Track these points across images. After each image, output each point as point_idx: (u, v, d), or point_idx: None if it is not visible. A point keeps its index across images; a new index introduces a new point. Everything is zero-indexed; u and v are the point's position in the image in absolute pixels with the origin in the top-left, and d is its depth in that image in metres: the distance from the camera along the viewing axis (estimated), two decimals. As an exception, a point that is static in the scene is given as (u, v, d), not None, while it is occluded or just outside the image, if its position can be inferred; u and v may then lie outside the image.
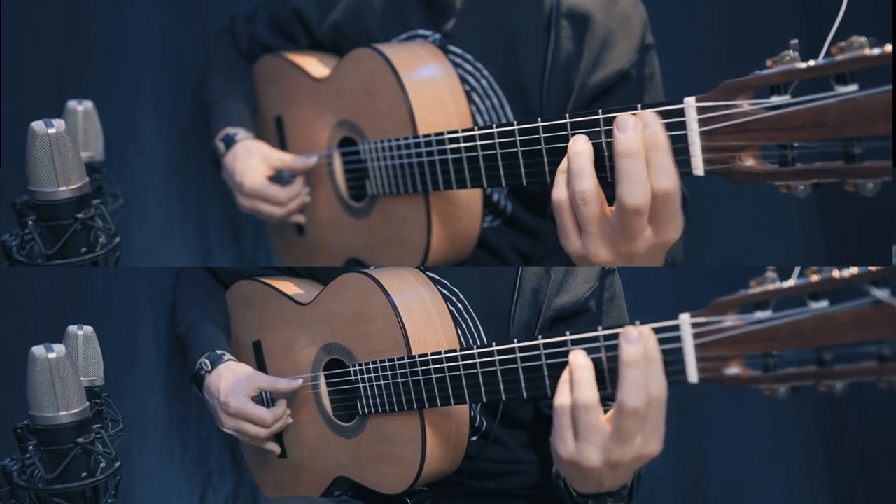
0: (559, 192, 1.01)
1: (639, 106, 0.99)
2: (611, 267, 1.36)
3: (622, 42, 1.41)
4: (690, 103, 0.94)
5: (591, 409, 0.96)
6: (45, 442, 1.25)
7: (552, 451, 1.02)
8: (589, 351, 1.01)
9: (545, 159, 1.11)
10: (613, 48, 1.41)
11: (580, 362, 0.98)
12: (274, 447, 1.46)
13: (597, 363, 1.00)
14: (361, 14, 1.50)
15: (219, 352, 1.45)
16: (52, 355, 1.23)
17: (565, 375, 0.99)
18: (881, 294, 0.81)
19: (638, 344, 0.94)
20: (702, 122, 0.92)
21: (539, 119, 1.10)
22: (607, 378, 1.00)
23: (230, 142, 1.53)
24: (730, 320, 0.89)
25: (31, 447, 1.27)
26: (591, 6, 1.40)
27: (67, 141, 1.20)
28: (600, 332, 1.00)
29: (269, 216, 1.53)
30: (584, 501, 1.11)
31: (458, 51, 1.44)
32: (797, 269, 0.86)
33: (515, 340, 1.11)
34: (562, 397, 0.99)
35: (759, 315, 0.88)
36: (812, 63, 0.86)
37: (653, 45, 1.45)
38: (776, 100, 0.88)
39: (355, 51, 1.42)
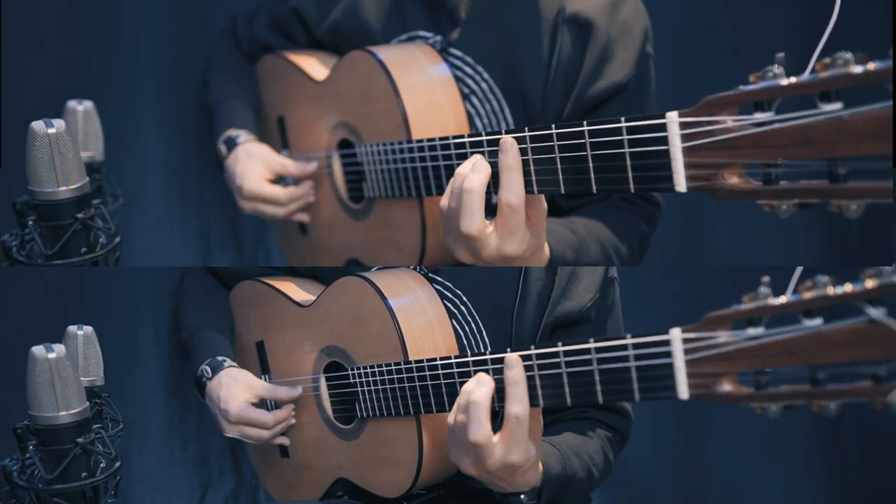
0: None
1: (622, 119, 0.97)
2: (611, 276, 1.37)
3: (621, 53, 1.40)
4: (673, 118, 0.91)
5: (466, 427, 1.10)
6: (45, 442, 1.25)
7: None
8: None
9: (532, 168, 1.10)
10: (613, 59, 1.40)
11: (467, 386, 1.12)
12: (284, 440, 1.47)
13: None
14: (360, 15, 1.49)
15: (220, 358, 1.46)
16: (52, 355, 1.23)
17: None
18: (876, 313, 0.79)
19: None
20: (684, 138, 0.90)
21: (526, 129, 1.09)
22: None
23: (232, 144, 1.53)
24: (722, 336, 0.87)
25: (31, 447, 1.27)
26: (594, 13, 1.39)
27: (67, 141, 1.20)
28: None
29: (272, 216, 1.53)
30: (504, 498, 1.20)
31: (459, 53, 1.43)
32: (798, 270, 0.84)
33: (508, 349, 1.11)
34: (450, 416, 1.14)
35: (752, 332, 0.86)
36: (794, 80, 0.83)
37: (651, 55, 1.45)
38: (760, 116, 0.85)
39: (351, 53, 1.42)
